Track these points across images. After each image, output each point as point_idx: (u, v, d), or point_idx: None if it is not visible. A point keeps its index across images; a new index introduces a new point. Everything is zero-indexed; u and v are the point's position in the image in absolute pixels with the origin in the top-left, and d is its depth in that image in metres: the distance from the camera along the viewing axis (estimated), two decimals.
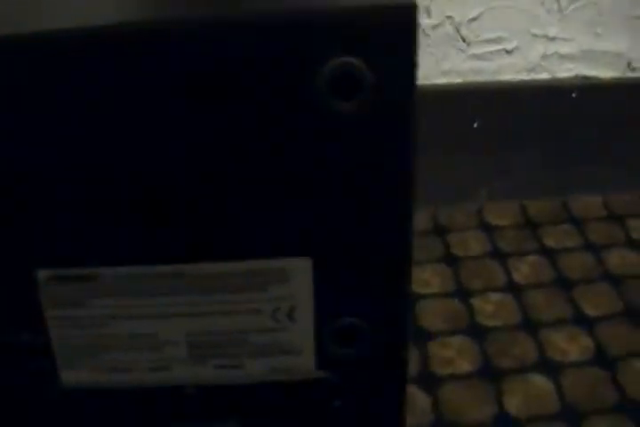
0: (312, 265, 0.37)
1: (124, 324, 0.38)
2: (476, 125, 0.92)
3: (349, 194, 0.35)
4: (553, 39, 0.91)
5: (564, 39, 0.91)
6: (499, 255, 0.89)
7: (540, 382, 0.74)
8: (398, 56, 0.32)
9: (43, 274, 0.37)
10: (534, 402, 0.71)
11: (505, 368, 0.74)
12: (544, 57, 0.92)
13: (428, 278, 0.86)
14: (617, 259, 0.88)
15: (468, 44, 0.90)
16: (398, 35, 0.32)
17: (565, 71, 0.93)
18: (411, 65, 0.32)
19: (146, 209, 0.35)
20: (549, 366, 0.75)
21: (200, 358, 0.39)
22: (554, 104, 0.93)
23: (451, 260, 0.88)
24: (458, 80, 0.92)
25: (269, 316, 0.38)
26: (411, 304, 0.39)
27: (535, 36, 0.91)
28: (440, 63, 0.91)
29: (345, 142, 0.34)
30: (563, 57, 0.92)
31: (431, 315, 0.81)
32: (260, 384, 0.40)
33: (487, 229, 0.93)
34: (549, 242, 0.91)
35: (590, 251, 0.90)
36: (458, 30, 0.89)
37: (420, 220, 0.92)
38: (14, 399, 0.42)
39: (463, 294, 0.83)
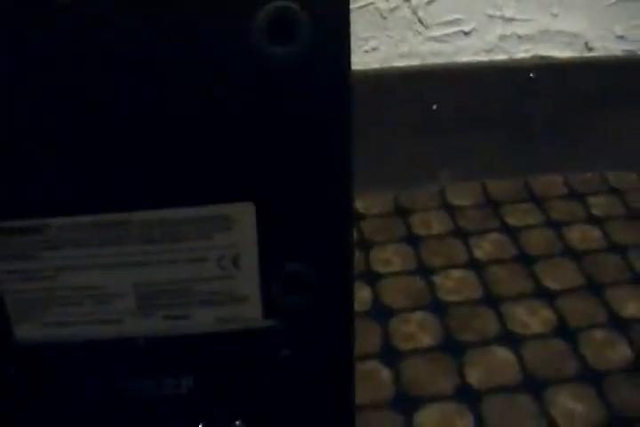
0: (255, 211, 0.37)
1: (71, 276, 0.39)
2: (435, 107, 0.93)
3: (291, 139, 0.36)
4: (510, 20, 0.92)
5: (522, 20, 0.92)
6: (460, 234, 0.90)
7: (501, 354, 0.74)
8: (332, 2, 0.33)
9: None
10: (496, 374, 0.72)
11: (466, 342, 0.75)
12: (502, 38, 0.93)
13: (389, 257, 0.87)
14: (577, 234, 0.89)
15: (426, 27, 0.91)
16: None
17: (523, 52, 0.94)
18: (344, 10, 0.33)
19: (90, 156, 0.36)
20: (511, 339, 0.75)
21: (149, 310, 0.40)
22: (512, 85, 0.94)
23: (412, 239, 0.89)
24: (416, 62, 0.93)
25: (215, 264, 0.39)
26: (353, 247, 0.39)
27: (492, 17, 0.92)
28: (399, 46, 0.92)
29: (284, 88, 0.35)
30: (520, 38, 0.93)
31: (392, 292, 0.82)
32: (210, 335, 0.40)
33: (449, 209, 0.94)
34: (511, 220, 0.92)
35: (551, 227, 0.90)
36: (415, 13, 0.90)
37: (382, 202, 0.93)
38: None
39: (424, 271, 0.84)
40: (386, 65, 0.91)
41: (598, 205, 0.94)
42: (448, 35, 0.92)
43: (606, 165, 0.99)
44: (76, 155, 0.36)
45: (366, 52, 0.90)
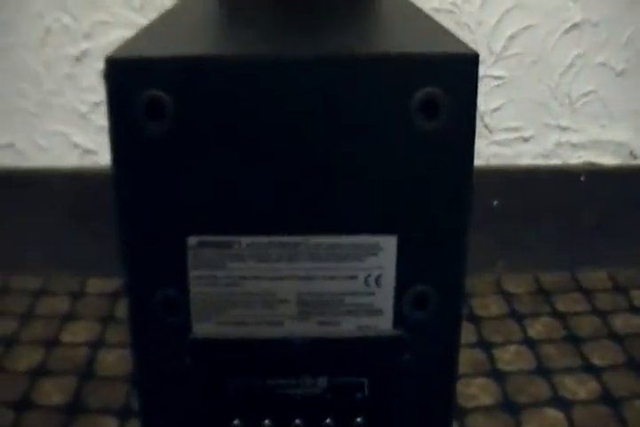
0: (396, 242, 0.53)
1: (249, 284, 0.53)
2: (495, 204, 1.08)
3: (425, 189, 0.52)
4: (565, 129, 1.08)
5: (574, 130, 1.08)
6: (515, 316, 1.04)
7: (552, 413, 0.87)
8: (465, 87, 0.49)
9: (192, 240, 0.52)
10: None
11: (522, 403, 0.88)
12: (557, 145, 1.09)
13: None
14: (621, 321, 1.03)
15: (491, 132, 1.07)
16: (467, 72, 0.49)
17: (575, 158, 1.10)
18: (474, 93, 0.49)
19: (277, 189, 0.51)
20: (561, 403, 0.88)
21: (306, 316, 0.54)
22: (565, 187, 1.09)
23: (473, 318, 1.04)
24: (481, 162, 1.08)
25: (362, 281, 0.53)
26: (465, 277, 0.54)
27: (549, 125, 1.08)
28: None
29: (428, 151, 0.51)
30: (574, 145, 1.09)
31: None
32: (349, 340, 0.55)
33: (505, 295, 1.08)
34: (560, 307, 1.06)
35: (597, 314, 1.05)
36: (482, 119, 1.06)
37: None
38: (149, 353, 0.56)
39: (484, 345, 0.98)
40: None
41: (639, 297, 1.07)
42: (510, 140, 1.07)
43: None
44: (267, 192, 0.51)
45: None
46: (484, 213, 1.07)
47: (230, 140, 0.49)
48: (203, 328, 0.54)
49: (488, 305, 1.04)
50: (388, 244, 0.52)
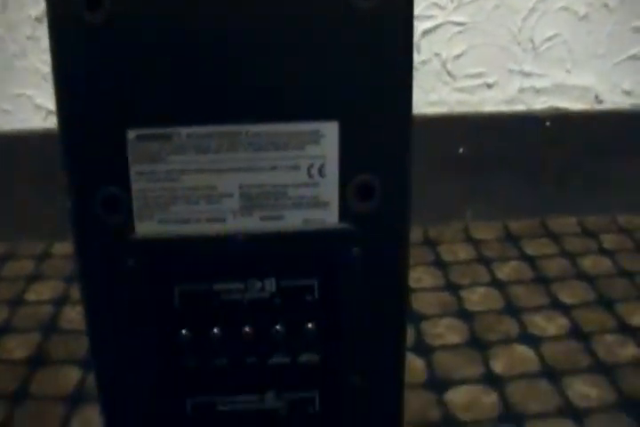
0: (338, 129, 0.51)
1: (191, 178, 0.51)
2: (461, 151, 1.07)
3: (366, 72, 0.50)
4: (528, 74, 1.07)
5: (538, 75, 1.07)
6: (483, 261, 1.03)
7: (522, 349, 0.86)
8: None
9: (131, 133, 0.50)
10: (518, 365, 0.84)
11: (491, 340, 0.87)
12: (521, 90, 1.08)
13: (419, 277, 1.00)
14: (590, 262, 1.02)
15: (454, 79, 1.06)
16: None
17: (540, 104, 1.09)
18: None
19: (214, 78, 0.50)
20: (531, 339, 0.88)
21: (249, 210, 0.52)
22: (530, 132, 1.08)
23: (440, 264, 1.02)
24: (444, 110, 1.07)
25: (305, 172, 0.52)
26: (410, 165, 0.53)
27: (512, 71, 1.07)
28: (428, 95, 1.07)
29: (366, 33, 0.49)
30: (537, 91, 1.08)
31: (423, 303, 0.94)
32: (295, 235, 0.53)
33: (473, 242, 1.07)
34: (529, 251, 1.05)
35: (566, 257, 1.04)
36: (444, 65, 1.05)
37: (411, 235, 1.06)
38: (92, 257, 0.54)
39: (452, 288, 0.97)
40: (416, 112, 1.05)
41: (609, 240, 1.07)
42: (473, 86, 1.06)
43: (616, 208, 1.11)
44: (206, 78, 0.49)
45: None
46: (451, 162, 1.06)
47: (167, 28, 0.48)
48: (145, 227, 0.53)
49: (456, 251, 1.04)
50: (330, 130, 0.51)
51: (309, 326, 0.55)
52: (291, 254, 0.54)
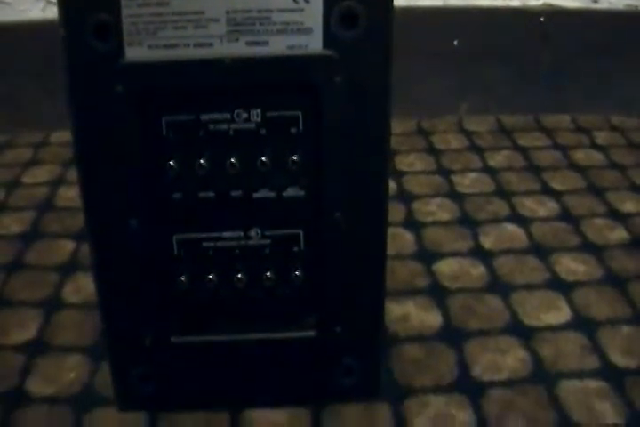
0: None
1: (179, 3, 0.53)
2: (455, 43, 1.07)
3: None
4: None
5: None
6: (476, 149, 1.04)
7: (511, 228, 0.88)
8: None
9: None
10: (506, 241, 0.85)
11: (481, 219, 0.89)
12: None
13: (412, 161, 1.01)
14: (582, 155, 1.03)
15: None
16: None
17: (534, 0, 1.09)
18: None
19: None
20: (520, 219, 0.89)
21: (235, 35, 0.53)
22: (524, 28, 1.09)
23: (433, 151, 1.04)
24: (439, 3, 1.08)
25: None
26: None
27: None
28: None
29: None
30: None
31: (415, 185, 0.96)
32: (279, 60, 0.54)
33: (466, 133, 1.08)
34: (521, 142, 1.06)
35: (558, 150, 1.05)
36: None
37: (404, 125, 1.08)
38: (84, 87, 0.55)
39: (444, 172, 0.99)
40: (412, 4, 1.06)
41: (602, 137, 1.08)
42: None
43: (610, 108, 1.12)
44: None
45: None
46: (446, 54, 1.06)
47: None
48: (134, 53, 0.54)
49: (448, 140, 1.05)
50: None
51: (294, 158, 0.57)
52: (276, 81, 0.56)
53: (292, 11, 0.53)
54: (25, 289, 0.77)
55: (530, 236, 0.87)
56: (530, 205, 0.90)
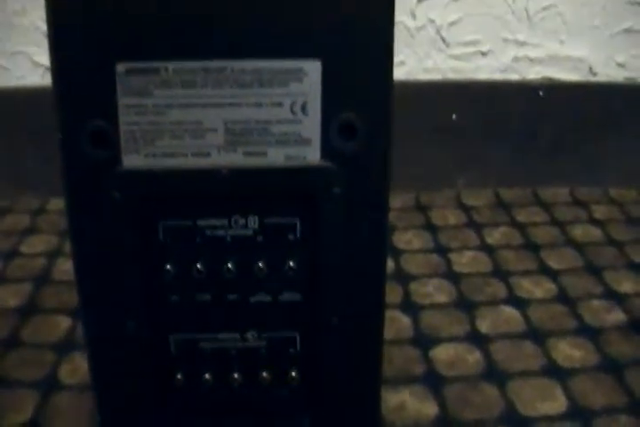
0: (321, 67, 0.52)
1: (177, 112, 0.52)
2: (454, 118, 1.08)
3: (350, 12, 0.52)
4: (523, 44, 1.08)
5: (533, 44, 1.09)
6: (474, 225, 1.04)
7: (508, 311, 0.88)
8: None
9: (120, 67, 0.52)
10: (503, 325, 0.85)
11: (478, 301, 0.89)
12: (515, 59, 1.09)
13: (410, 239, 1.01)
14: (580, 231, 1.04)
15: (448, 46, 1.07)
16: None
17: (534, 73, 1.10)
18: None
19: (201, 14, 0.51)
20: (517, 301, 0.89)
21: (233, 145, 0.54)
22: (523, 102, 1.09)
23: (431, 227, 1.04)
24: (438, 77, 1.08)
25: (288, 109, 0.53)
26: (393, 105, 0.53)
27: (507, 40, 1.08)
28: (423, 61, 1.08)
29: None
30: (531, 60, 1.09)
31: (413, 264, 0.96)
32: (277, 171, 0.55)
33: (464, 208, 1.09)
34: (519, 218, 1.06)
35: (556, 225, 1.05)
36: (439, 32, 1.07)
37: (403, 199, 1.08)
38: (80, 191, 0.56)
39: (442, 250, 0.99)
40: (411, 78, 1.07)
41: (600, 211, 1.08)
42: (467, 54, 1.07)
43: (608, 181, 1.13)
44: (190, 15, 0.51)
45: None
46: (444, 129, 1.06)
47: None
48: (131, 161, 0.54)
49: (446, 216, 1.05)
50: (313, 68, 0.53)
51: (291, 264, 0.57)
52: (273, 191, 0.56)
53: (291, 122, 0.54)
54: (21, 368, 0.76)
55: (527, 319, 0.87)
56: (527, 286, 0.90)
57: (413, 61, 1.05)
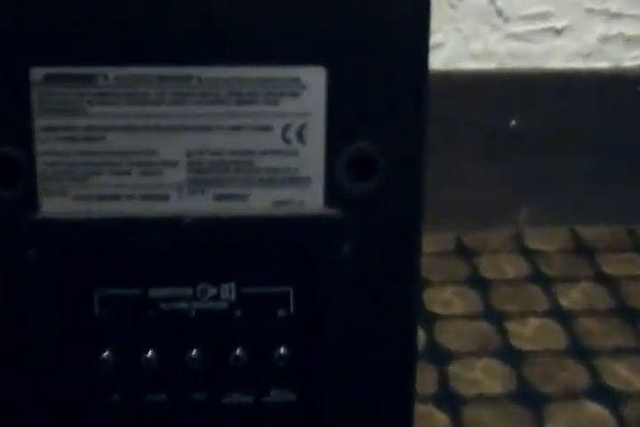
0: (326, 77, 0.53)
1: (120, 139, 0.53)
2: (513, 124, 1.09)
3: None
4: (616, 16, 1.09)
5: (631, 16, 1.09)
6: (541, 280, 1.05)
7: (593, 409, 0.88)
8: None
9: (37, 72, 0.52)
10: None
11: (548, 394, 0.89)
12: (603, 39, 1.09)
13: (449, 298, 1.02)
14: None
15: (506, 20, 1.08)
16: None
17: (630, 60, 1.10)
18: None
19: (158, 6, 0.52)
20: (607, 394, 0.89)
21: (200, 186, 0.54)
22: (615, 100, 1.10)
23: (480, 283, 1.05)
24: (491, 66, 1.10)
25: (279, 135, 0.54)
26: (428, 137, 0.53)
27: (592, 11, 1.09)
28: (469, 43, 1.09)
29: None
30: (629, 40, 1.10)
31: (455, 336, 0.96)
32: (262, 222, 0.56)
33: (527, 253, 1.09)
34: (608, 269, 1.07)
35: None
36: (493, 2, 1.07)
37: (441, 240, 1.09)
38: None
39: (494, 317, 0.99)
40: (452, 67, 1.07)
41: None
42: (533, 32, 1.07)
43: None
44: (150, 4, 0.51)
45: None
46: (499, 139, 1.11)
47: None
48: (54, 206, 0.55)
49: (501, 266, 1.05)
50: (315, 79, 0.53)
51: (281, 351, 0.58)
52: (256, 249, 0.57)
53: (282, 153, 0.55)
54: None
55: (620, 421, 0.86)
56: (621, 372, 0.91)
57: (455, 43, 1.07)
